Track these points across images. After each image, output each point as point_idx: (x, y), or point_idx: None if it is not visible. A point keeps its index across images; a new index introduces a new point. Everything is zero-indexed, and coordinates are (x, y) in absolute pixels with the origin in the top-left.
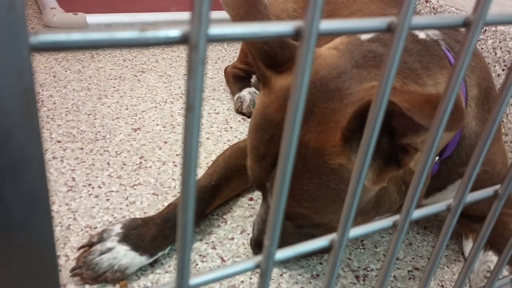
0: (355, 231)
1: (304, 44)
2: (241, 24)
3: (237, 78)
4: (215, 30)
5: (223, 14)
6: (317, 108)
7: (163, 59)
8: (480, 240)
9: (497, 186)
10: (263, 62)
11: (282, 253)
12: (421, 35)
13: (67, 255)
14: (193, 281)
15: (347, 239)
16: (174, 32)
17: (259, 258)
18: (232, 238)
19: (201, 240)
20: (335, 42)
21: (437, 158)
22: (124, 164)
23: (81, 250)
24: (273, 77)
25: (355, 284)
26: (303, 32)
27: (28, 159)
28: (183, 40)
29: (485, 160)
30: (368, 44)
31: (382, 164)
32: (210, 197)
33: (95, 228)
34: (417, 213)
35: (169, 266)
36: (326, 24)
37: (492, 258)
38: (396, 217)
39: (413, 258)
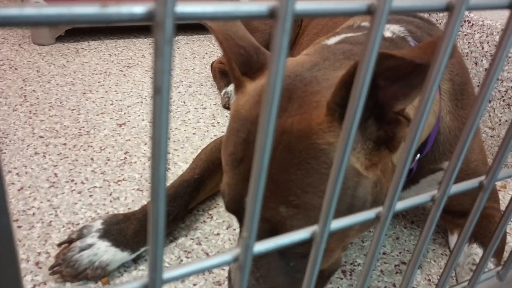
0: (337, 223)
1: (279, 25)
2: (212, 3)
3: (224, 74)
4: (182, 7)
5: None
6: (294, 95)
7: (149, 54)
8: (465, 233)
9: (482, 177)
10: (238, 67)
11: (261, 245)
12: (387, 33)
13: (47, 252)
14: (167, 274)
15: (328, 230)
16: (138, 9)
17: (237, 250)
18: (218, 234)
19: (186, 235)
20: (303, 52)
21: (418, 155)
22: (109, 160)
23: (61, 247)
24: (247, 82)
25: (341, 279)
26: (278, 12)
27: None
28: (148, 17)
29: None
30: (336, 46)
31: (373, 147)
32: (194, 191)
33: (77, 224)
34: (400, 205)
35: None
36: (302, 4)
37: (477, 250)
38: (379, 209)
39: (400, 253)
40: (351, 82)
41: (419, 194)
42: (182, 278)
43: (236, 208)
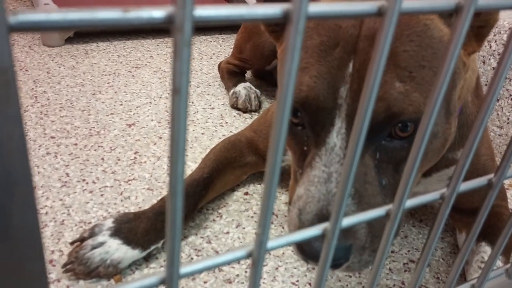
0: (348, 220)
1: (292, 28)
2: (227, 6)
3: (231, 74)
4: (200, 11)
5: None
6: None
7: (157, 54)
8: (474, 231)
9: (491, 175)
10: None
11: (275, 242)
12: None
13: (61, 250)
14: (184, 270)
15: (339, 227)
16: (158, 13)
17: (250, 247)
18: (228, 232)
19: (196, 234)
20: None
21: None
22: (119, 160)
23: (73, 246)
24: None
25: (350, 277)
26: (291, 14)
27: (5, 138)
28: (168, 21)
29: None
30: None
31: (468, 34)
32: (203, 190)
33: (89, 223)
34: (410, 202)
35: (164, 260)
36: (315, 7)
37: (485, 248)
38: (390, 206)
39: (408, 251)
40: None
41: (428, 190)
42: (198, 273)
43: (325, 104)
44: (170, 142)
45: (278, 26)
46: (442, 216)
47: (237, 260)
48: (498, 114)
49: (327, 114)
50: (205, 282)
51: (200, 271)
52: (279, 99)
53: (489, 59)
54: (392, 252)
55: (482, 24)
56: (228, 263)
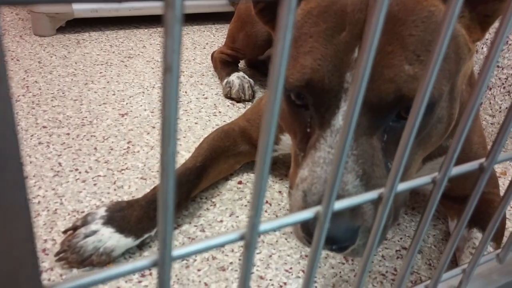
0: (339, 204)
1: (285, 4)
2: None
3: (225, 63)
4: None
5: None
6: None
7: (150, 44)
8: (465, 216)
9: (482, 160)
10: None
11: (267, 225)
12: None
13: (54, 239)
14: (176, 252)
15: (332, 210)
16: None
17: (243, 229)
18: (221, 221)
19: (189, 223)
20: None
21: None
22: (112, 149)
23: (66, 234)
24: None
25: (343, 264)
26: None
27: None
28: None
29: None
30: None
31: (473, 18)
32: (196, 179)
33: (82, 212)
34: (402, 186)
35: (158, 249)
36: None
37: (477, 235)
38: (381, 190)
39: (401, 238)
40: None
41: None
42: (190, 255)
43: (330, 86)
44: (161, 122)
45: (270, 12)
46: (433, 200)
47: (230, 243)
48: (490, 103)
49: (332, 96)
50: (198, 270)
51: (193, 254)
52: (271, 79)
53: (482, 47)
54: (385, 239)
55: (489, 13)
56: (221, 245)
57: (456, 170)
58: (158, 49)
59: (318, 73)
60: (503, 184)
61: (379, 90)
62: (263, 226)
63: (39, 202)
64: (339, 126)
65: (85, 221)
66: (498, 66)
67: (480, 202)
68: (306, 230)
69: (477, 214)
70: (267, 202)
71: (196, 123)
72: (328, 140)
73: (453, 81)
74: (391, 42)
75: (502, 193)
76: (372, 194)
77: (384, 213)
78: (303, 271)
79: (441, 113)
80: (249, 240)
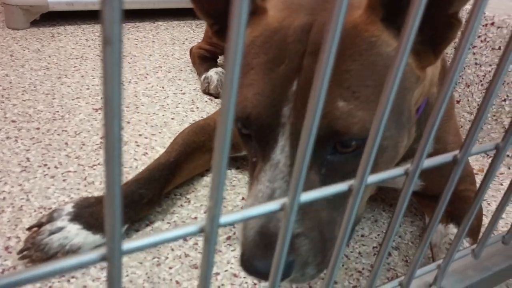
0: (307, 195)
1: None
2: None
3: (203, 59)
4: None
5: None
6: None
7: (128, 39)
8: (438, 210)
9: (456, 152)
10: None
11: (229, 217)
12: None
13: (18, 236)
14: (127, 245)
15: (298, 203)
16: None
17: (202, 222)
18: (196, 218)
19: (162, 220)
20: None
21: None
22: (84, 144)
23: (31, 231)
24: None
25: None
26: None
27: None
28: None
29: (436, 138)
30: None
31: (420, 49)
32: (169, 174)
33: (49, 209)
34: (373, 177)
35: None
36: None
37: (453, 230)
38: (352, 181)
39: (378, 235)
40: None
41: (395, 180)
42: (143, 249)
43: (268, 122)
44: (103, 102)
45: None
46: (405, 193)
47: (188, 236)
48: (468, 100)
49: (270, 131)
50: (170, 268)
51: (145, 247)
52: (224, 89)
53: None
54: (362, 236)
55: (440, 39)
56: (177, 239)
57: (429, 162)
58: (136, 44)
59: (256, 108)
60: (480, 181)
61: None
62: (224, 219)
63: (4, 198)
64: (277, 160)
65: (50, 218)
66: (476, 63)
67: (456, 199)
68: (242, 264)
69: (453, 210)
70: (243, 198)
71: (172, 118)
72: (268, 173)
73: (398, 110)
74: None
75: None
76: (342, 186)
77: (354, 205)
78: None
79: (385, 143)
80: (209, 232)
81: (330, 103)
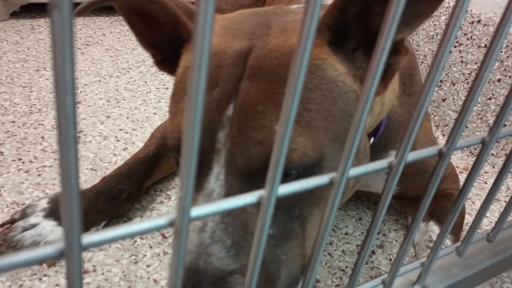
0: (287, 188)
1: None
2: None
3: None
4: None
5: None
6: (273, 23)
7: (110, 32)
8: (422, 207)
9: (441, 146)
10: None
11: (200, 209)
12: None
13: None
14: (87, 239)
15: (275, 195)
16: None
17: (172, 214)
18: None
19: (141, 216)
20: None
21: (371, 139)
22: None
23: (3, 228)
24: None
25: None
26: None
27: None
28: None
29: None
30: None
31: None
32: (149, 169)
33: (23, 204)
34: (355, 171)
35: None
36: None
37: (433, 228)
38: (333, 174)
39: (362, 233)
40: (347, 5)
41: (369, 183)
42: (105, 243)
43: (201, 148)
44: (54, 75)
45: (169, 64)
46: (389, 186)
47: (156, 229)
48: (454, 99)
49: (204, 158)
50: (148, 266)
51: (108, 241)
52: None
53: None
54: (346, 234)
55: (387, 67)
56: (144, 232)
57: (413, 155)
58: (119, 38)
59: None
60: (464, 180)
61: (247, 153)
62: (195, 211)
63: None
64: (211, 190)
65: (24, 214)
66: (462, 61)
67: (439, 196)
68: None
69: (434, 208)
70: None
71: (154, 113)
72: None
73: (345, 140)
74: (263, 101)
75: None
76: (323, 179)
77: (336, 198)
78: None
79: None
80: (180, 226)
81: (265, 128)
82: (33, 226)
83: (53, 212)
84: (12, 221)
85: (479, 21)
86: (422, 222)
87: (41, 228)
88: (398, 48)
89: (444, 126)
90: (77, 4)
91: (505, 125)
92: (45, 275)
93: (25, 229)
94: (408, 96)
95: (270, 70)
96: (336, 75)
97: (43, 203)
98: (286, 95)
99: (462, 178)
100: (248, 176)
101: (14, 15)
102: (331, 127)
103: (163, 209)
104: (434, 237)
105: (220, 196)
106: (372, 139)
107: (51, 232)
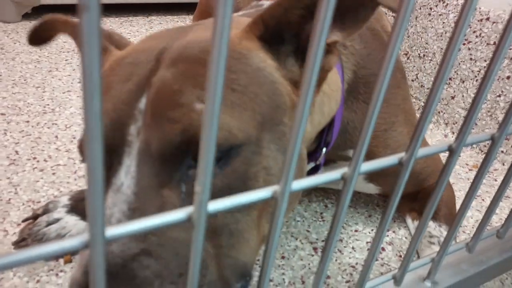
0: (300, 183)
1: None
2: None
3: None
4: None
5: None
6: (193, 27)
7: (121, 33)
8: (427, 213)
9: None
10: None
11: (218, 203)
12: None
13: (5, 229)
14: (110, 232)
15: (289, 190)
16: None
17: (190, 209)
18: None
19: None
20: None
21: (324, 149)
22: (74, 138)
23: (25, 223)
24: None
25: (312, 255)
26: None
27: None
28: None
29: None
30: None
31: (300, 77)
32: None
33: (38, 202)
34: (366, 166)
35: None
36: None
37: (429, 223)
38: (345, 169)
39: (372, 230)
40: (293, 6)
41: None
42: (127, 234)
43: (111, 142)
44: (82, 75)
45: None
46: (400, 183)
47: (175, 223)
48: (463, 96)
49: (115, 152)
50: None
51: (131, 233)
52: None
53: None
54: (356, 231)
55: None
56: (165, 225)
57: (423, 151)
58: (128, 38)
59: (103, 128)
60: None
61: (163, 134)
62: (213, 205)
63: None
64: (120, 184)
65: (46, 210)
66: (471, 59)
67: (430, 192)
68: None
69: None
70: None
71: None
72: (109, 201)
73: (278, 130)
74: (179, 80)
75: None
76: (335, 174)
77: (347, 194)
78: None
79: (268, 164)
80: (197, 220)
81: (185, 105)
82: (57, 220)
83: (75, 208)
84: (35, 217)
85: (488, 19)
86: (415, 220)
87: (65, 222)
88: (329, 50)
89: (454, 124)
90: (105, 5)
91: None
92: (61, 271)
93: (50, 223)
94: (363, 102)
95: (190, 55)
96: (263, 66)
97: (65, 200)
98: (210, 67)
99: (471, 175)
100: (163, 160)
101: (26, 16)
102: (259, 110)
103: None
104: (433, 232)
105: (129, 189)
106: (324, 149)
107: (74, 226)
